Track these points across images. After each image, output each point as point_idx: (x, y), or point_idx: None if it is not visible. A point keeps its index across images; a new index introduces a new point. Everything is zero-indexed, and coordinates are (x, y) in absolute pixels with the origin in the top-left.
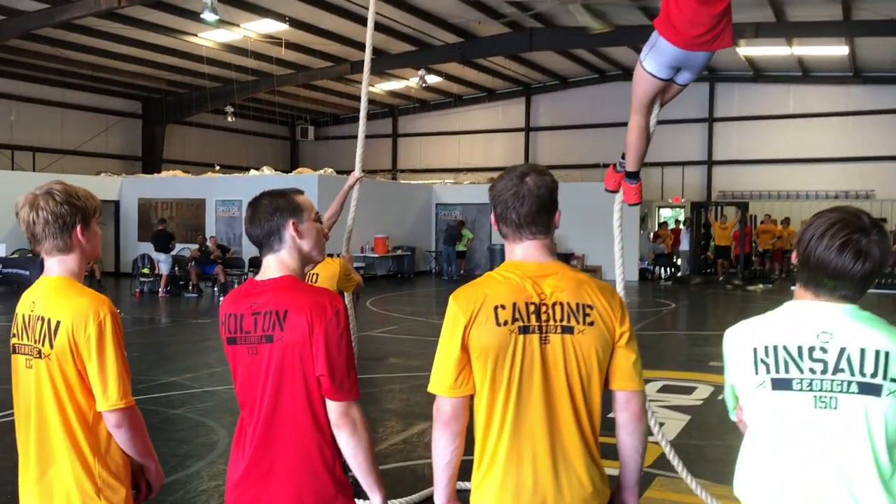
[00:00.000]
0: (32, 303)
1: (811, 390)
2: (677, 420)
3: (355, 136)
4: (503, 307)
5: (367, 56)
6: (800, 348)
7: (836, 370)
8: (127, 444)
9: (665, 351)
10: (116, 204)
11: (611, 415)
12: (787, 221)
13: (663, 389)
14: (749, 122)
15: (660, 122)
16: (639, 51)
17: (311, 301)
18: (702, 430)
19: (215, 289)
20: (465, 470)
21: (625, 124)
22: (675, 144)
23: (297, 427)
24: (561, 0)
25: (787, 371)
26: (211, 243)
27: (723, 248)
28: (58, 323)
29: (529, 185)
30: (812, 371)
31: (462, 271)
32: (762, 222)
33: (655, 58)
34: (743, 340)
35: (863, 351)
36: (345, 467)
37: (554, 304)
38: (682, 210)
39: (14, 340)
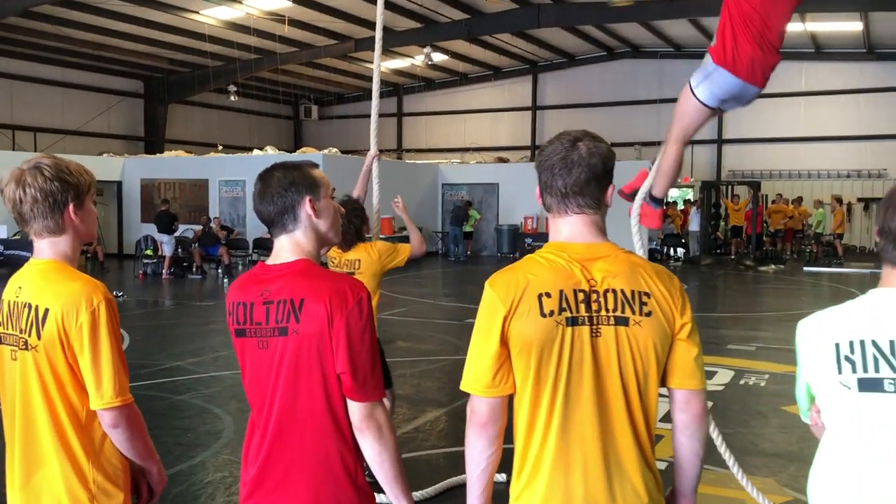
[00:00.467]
0: (19, 288)
1: None
2: None
3: (360, 116)
4: (548, 295)
5: (378, 31)
6: (892, 343)
7: None
8: (124, 446)
9: None
10: (119, 184)
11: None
12: (798, 201)
13: None
14: (760, 100)
15: (670, 101)
16: (648, 27)
17: (330, 288)
18: (726, 418)
19: (219, 270)
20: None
21: (632, 103)
22: None
23: (314, 430)
24: None
25: (876, 370)
26: (215, 224)
27: (736, 228)
28: (46, 311)
29: (581, 151)
30: None
31: (469, 252)
32: (773, 202)
33: (710, 88)
34: (822, 334)
35: None
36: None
37: (606, 292)
38: (690, 190)
39: (0, 329)
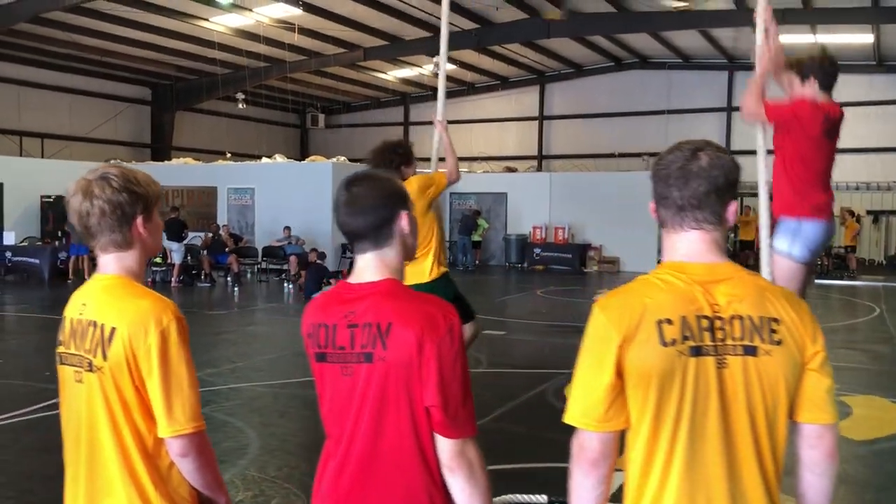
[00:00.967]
0: (82, 305)
1: None
2: None
3: (367, 124)
4: (669, 322)
5: (444, 16)
6: None
7: None
8: (193, 476)
9: None
10: None
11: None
12: None
13: None
14: None
15: (678, 112)
16: (657, 37)
17: (419, 313)
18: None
19: (228, 279)
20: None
21: (640, 113)
22: (694, 133)
23: (402, 468)
24: None
25: None
26: (223, 232)
27: (746, 242)
28: (113, 330)
29: (702, 161)
30: None
31: (477, 261)
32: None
33: (804, 242)
34: None
35: None
36: None
37: (732, 318)
38: None
39: (61, 349)
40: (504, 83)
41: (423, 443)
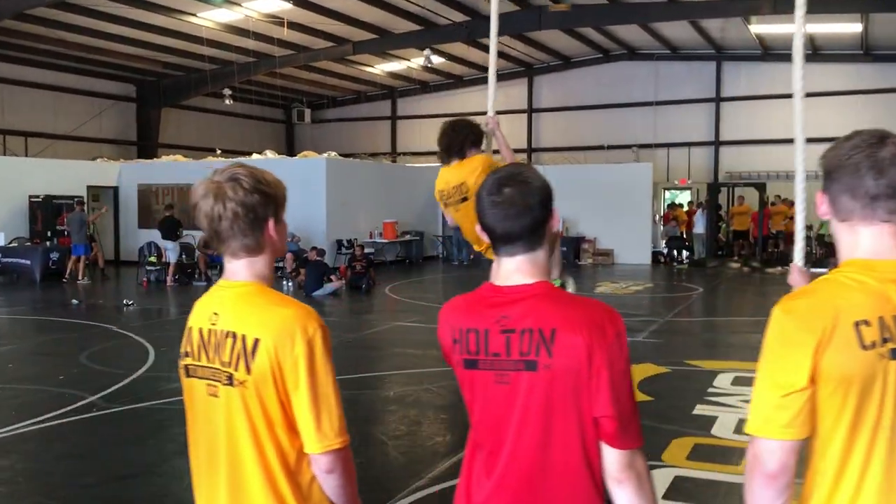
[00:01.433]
0: (214, 314)
1: None
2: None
3: (354, 119)
4: (867, 323)
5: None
6: None
7: None
8: (336, 493)
9: (718, 339)
10: (115, 190)
11: None
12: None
13: (736, 381)
14: (757, 101)
15: (666, 103)
16: (646, 28)
17: (585, 318)
18: None
19: None
20: None
21: (629, 105)
22: (682, 125)
23: (569, 481)
24: None
25: None
26: None
27: (740, 231)
28: (256, 341)
29: (892, 149)
30: None
31: (472, 256)
32: (772, 203)
33: None
34: None
35: None
36: None
37: None
38: (688, 192)
39: (188, 361)
40: None
41: (590, 454)
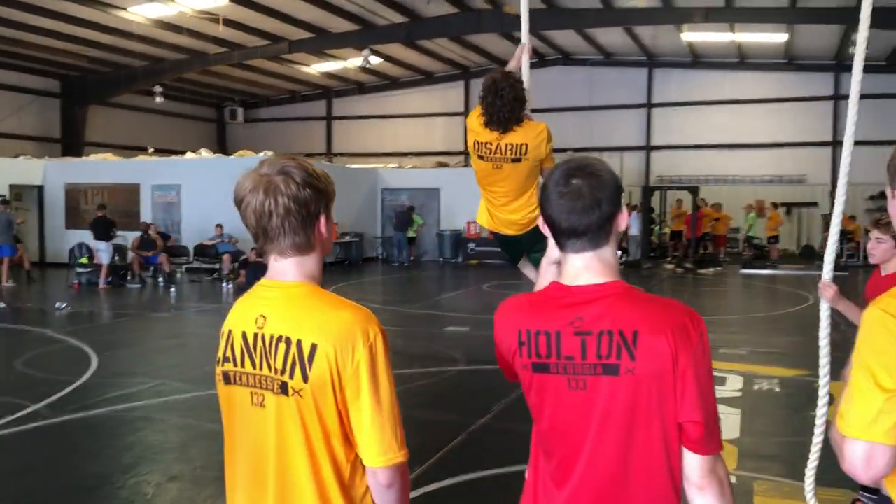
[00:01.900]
0: (261, 317)
1: None
2: (730, 415)
3: (289, 119)
4: None
5: None
6: None
7: None
8: None
9: None
10: (40, 189)
11: None
12: (718, 206)
13: None
14: (687, 107)
15: (598, 108)
16: (582, 34)
17: (668, 319)
18: (757, 425)
19: (159, 279)
20: None
21: (563, 109)
22: (614, 130)
23: (651, 489)
24: None
25: None
26: (152, 231)
27: (675, 233)
28: (313, 347)
29: None
30: None
31: (412, 258)
32: (698, 207)
33: None
34: None
35: None
36: None
37: None
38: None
39: (227, 367)
40: (429, 78)
41: (672, 460)
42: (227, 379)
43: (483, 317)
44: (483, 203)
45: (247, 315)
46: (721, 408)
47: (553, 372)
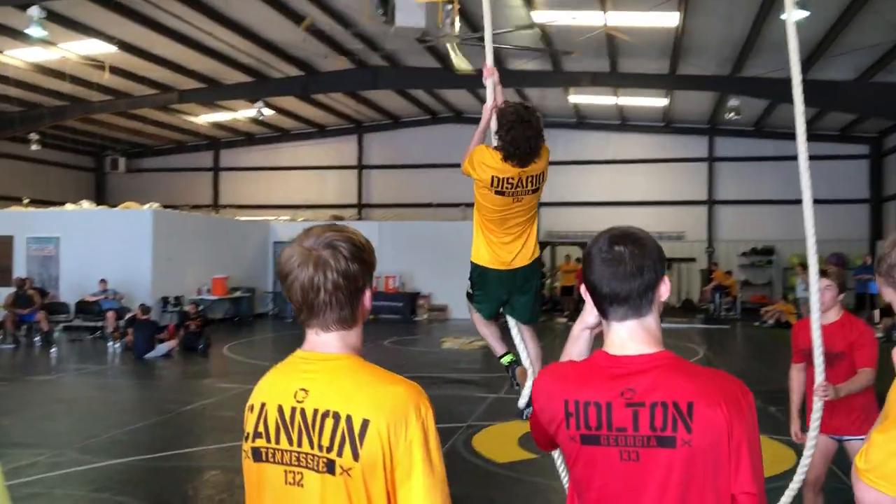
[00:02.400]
0: (301, 391)
1: None
2: None
3: (173, 169)
4: None
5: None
6: None
7: None
8: None
9: None
10: None
11: None
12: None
13: None
14: (573, 165)
15: None
16: (473, 93)
17: (720, 390)
18: None
19: (36, 338)
20: None
21: (457, 165)
22: None
23: None
24: (436, 38)
25: None
26: (27, 286)
27: (566, 288)
28: (365, 422)
29: None
30: None
31: None
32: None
33: None
34: None
35: None
36: None
37: None
38: None
39: (260, 443)
40: (322, 131)
41: None
42: (257, 456)
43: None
44: (482, 241)
45: (283, 387)
46: None
47: (604, 444)
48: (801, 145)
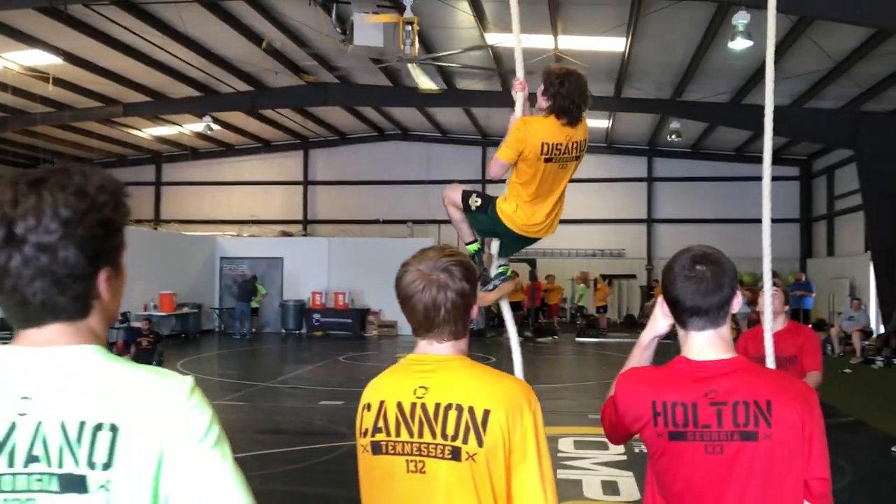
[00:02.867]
0: (421, 388)
1: None
2: (626, 477)
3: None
4: None
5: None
6: None
7: None
8: None
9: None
10: None
11: None
12: (551, 278)
13: (578, 445)
14: None
15: (437, 182)
16: (422, 111)
17: (793, 389)
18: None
19: None
20: None
21: (402, 182)
22: None
23: None
24: (399, 58)
25: None
26: None
27: (514, 304)
28: (486, 412)
29: None
30: None
31: (254, 329)
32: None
33: None
34: None
35: None
36: None
37: None
38: None
39: (379, 437)
40: (267, 146)
41: None
42: (377, 449)
43: (354, 390)
44: (518, 207)
45: (401, 386)
46: (614, 471)
47: (690, 440)
48: (767, 169)
